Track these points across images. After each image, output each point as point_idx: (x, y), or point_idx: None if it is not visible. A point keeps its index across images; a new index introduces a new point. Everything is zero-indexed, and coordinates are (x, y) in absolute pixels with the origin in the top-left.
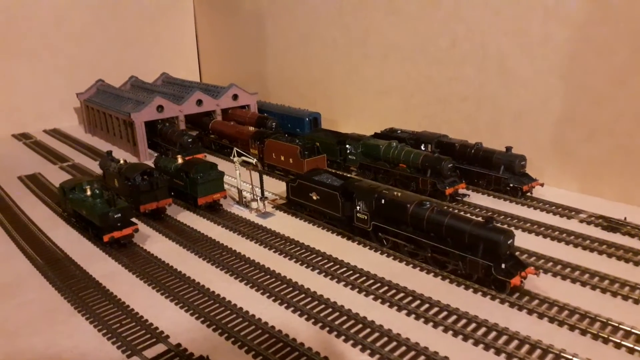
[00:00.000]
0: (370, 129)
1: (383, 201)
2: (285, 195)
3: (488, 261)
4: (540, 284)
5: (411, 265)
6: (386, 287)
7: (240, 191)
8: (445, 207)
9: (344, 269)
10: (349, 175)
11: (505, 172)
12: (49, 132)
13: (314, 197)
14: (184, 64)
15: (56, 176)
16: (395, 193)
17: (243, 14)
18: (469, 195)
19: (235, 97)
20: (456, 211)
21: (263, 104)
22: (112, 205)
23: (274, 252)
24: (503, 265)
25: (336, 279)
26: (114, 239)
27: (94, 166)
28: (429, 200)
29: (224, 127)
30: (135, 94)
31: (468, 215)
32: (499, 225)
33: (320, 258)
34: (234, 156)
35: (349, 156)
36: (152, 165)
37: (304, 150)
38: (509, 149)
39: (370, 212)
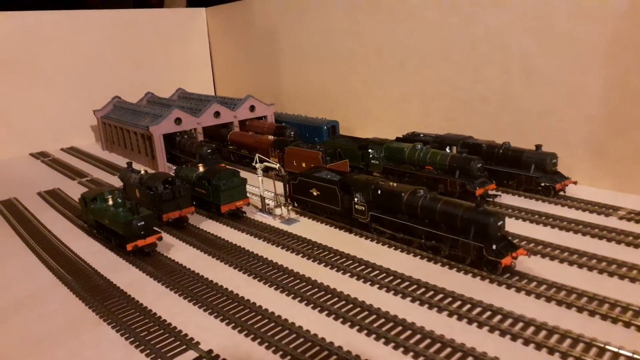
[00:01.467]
0: (390, 136)
1: (379, 192)
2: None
3: (479, 243)
4: (586, 282)
5: (447, 266)
6: (423, 289)
7: (263, 198)
8: (439, 194)
9: (377, 271)
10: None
11: (536, 171)
12: (66, 150)
13: (314, 193)
14: (199, 80)
15: (75, 191)
16: (391, 184)
17: (256, 30)
18: (500, 195)
19: (252, 108)
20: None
21: (279, 115)
22: (135, 214)
23: (302, 256)
24: (494, 246)
25: (370, 282)
26: (138, 248)
27: (112, 180)
28: (423, 188)
29: (243, 137)
30: (152, 109)
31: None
32: (490, 208)
33: (350, 261)
34: (256, 162)
35: (372, 161)
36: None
37: (326, 156)
38: (538, 147)
39: (367, 203)
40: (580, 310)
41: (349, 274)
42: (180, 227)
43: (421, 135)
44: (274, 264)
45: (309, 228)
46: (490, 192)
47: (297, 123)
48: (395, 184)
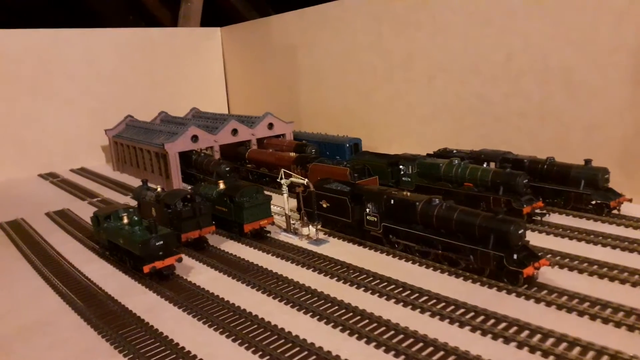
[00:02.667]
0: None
1: (392, 201)
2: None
3: (499, 252)
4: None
5: (504, 291)
6: (482, 317)
7: (288, 217)
8: (455, 203)
9: (425, 297)
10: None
11: (586, 188)
12: (76, 171)
13: (324, 205)
14: (212, 99)
15: (85, 211)
16: (404, 193)
17: (273, 47)
18: (548, 214)
19: (270, 126)
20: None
21: (298, 134)
22: (153, 232)
23: (337, 280)
24: (515, 256)
25: (419, 309)
26: (156, 270)
27: (124, 201)
28: (438, 197)
29: (262, 155)
30: (166, 127)
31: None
32: (510, 216)
33: (393, 286)
34: (281, 178)
35: (403, 178)
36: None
37: (353, 172)
38: (588, 162)
39: (379, 214)
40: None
41: (392, 298)
42: (199, 248)
43: (454, 151)
44: (306, 288)
45: (340, 249)
46: (537, 211)
47: (317, 141)
48: (408, 193)
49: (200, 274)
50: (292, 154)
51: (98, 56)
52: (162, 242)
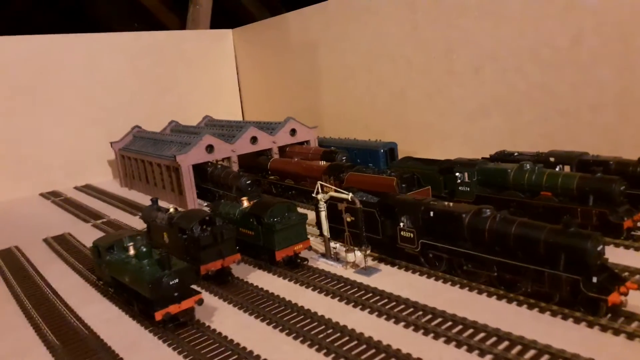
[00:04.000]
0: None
1: (432, 213)
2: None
3: (574, 275)
4: None
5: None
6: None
7: (327, 239)
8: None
9: (506, 342)
10: None
11: None
12: (80, 188)
13: (348, 219)
14: (225, 106)
15: (88, 236)
16: (446, 203)
17: (291, 46)
18: None
19: (293, 132)
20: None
21: (322, 140)
22: (166, 268)
23: (405, 326)
24: (594, 279)
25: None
26: (170, 316)
27: (133, 222)
28: (490, 207)
29: (287, 165)
30: (177, 137)
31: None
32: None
33: (483, 334)
34: (317, 192)
35: (460, 187)
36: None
37: (401, 182)
38: None
39: (416, 228)
40: None
41: (474, 349)
42: (222, 282)
43: (515, 154)
44: (366, 340)
45: (396, 279)
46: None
47: (345, 147)
48: (451, 204)
49: (228, 318)
50: (323, 163)
51: (102, 62)
52: (177, 281)
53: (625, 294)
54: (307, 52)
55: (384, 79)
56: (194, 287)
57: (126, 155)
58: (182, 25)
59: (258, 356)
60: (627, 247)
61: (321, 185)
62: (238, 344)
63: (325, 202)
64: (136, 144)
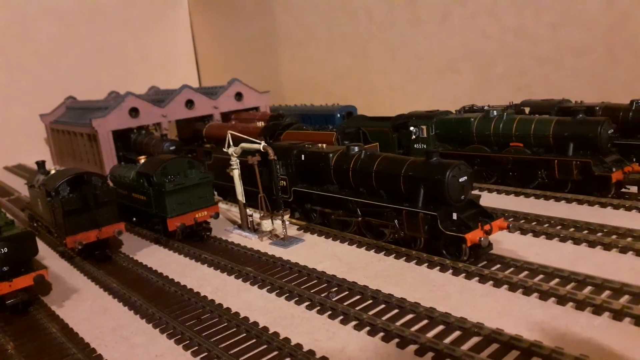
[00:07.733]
0: None
1: (303, 157)
2: None
3: (431, 212)
4: None
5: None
6: None
7: (242, 205)
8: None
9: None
10: None
11: None
12: (10, 168)
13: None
14: (180, 76)
15: None
16: (320, 145)
17: (248, 10)
18: None
19: (239, 96)
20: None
21: (276, 109)
22: None
23: (309, 307)
24: (455, 216)
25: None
26: None
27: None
28: (359, 145)
29: (223, 129)
30: (106, 103)
31: None
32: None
33: (412, 315)
34: (228, 145)
35: (415, 145)
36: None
37: (343, 138)
38: None
39: (288, 175)
40: None
41: (396, 339)
42: (101, 258)
43: (485, 107)
44: (248, 328)
45: (317, 250)
46: (631, 177)
47: (300, 113)
48: (325, 146)
49: (85, 302)
50: (260, 124)
51: (34, 29)
52: (5, 250)
53: (489, 232)
54: (263, 14)
55: (342, 39)
56: (42, 261)
57: (56, 128)
58: None
59: (93, 350)
60: (615, 207)
61: (231, 134)
62: (77, 334)
63: (237, 158)
64: (66, 116)
